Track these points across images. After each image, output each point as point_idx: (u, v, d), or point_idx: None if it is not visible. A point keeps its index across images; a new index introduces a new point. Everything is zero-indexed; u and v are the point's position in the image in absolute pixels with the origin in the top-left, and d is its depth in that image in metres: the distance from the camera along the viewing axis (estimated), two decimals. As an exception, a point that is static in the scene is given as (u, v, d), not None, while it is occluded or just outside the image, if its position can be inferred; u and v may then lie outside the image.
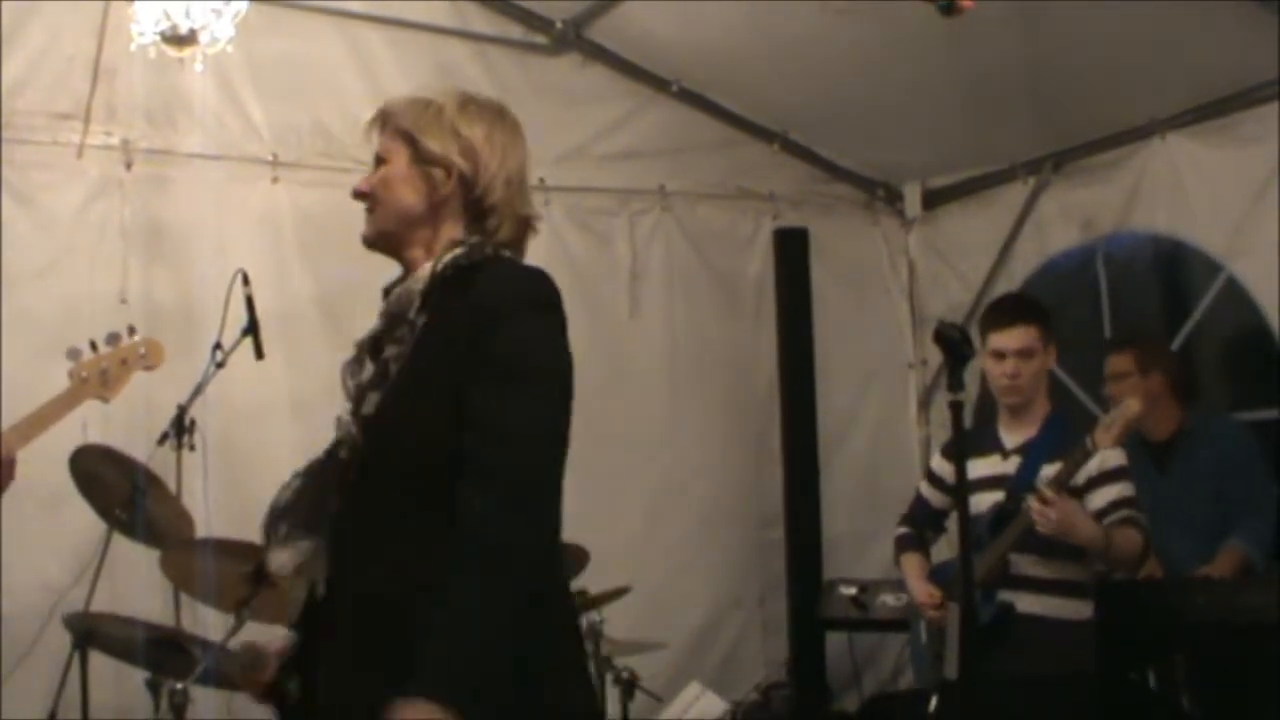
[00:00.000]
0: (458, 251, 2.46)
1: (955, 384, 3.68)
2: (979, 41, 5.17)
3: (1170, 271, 5.93)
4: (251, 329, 4.80)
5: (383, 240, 2.55)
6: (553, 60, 6.19)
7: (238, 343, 4.79)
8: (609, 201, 6.39)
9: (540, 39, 6.14)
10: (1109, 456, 4.41)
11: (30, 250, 5.25)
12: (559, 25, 6.08)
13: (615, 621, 4.99)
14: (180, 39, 4.62)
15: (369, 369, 2.47)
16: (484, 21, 6.05)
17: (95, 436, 4.76)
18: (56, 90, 5.34)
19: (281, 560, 2.50)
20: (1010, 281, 6.47)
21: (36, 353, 5.11)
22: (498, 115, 2.63)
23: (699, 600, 6.29)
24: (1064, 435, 4.38)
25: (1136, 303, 6.06)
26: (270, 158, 5.70)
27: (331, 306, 5.67)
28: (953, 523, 4.77)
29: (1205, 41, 5.06)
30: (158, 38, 4.64)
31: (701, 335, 6.50)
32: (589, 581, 4.49)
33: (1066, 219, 6.23)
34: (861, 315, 6.66)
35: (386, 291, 2.54)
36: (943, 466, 4.81)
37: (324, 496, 2.47)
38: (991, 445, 4.59)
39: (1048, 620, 4.27)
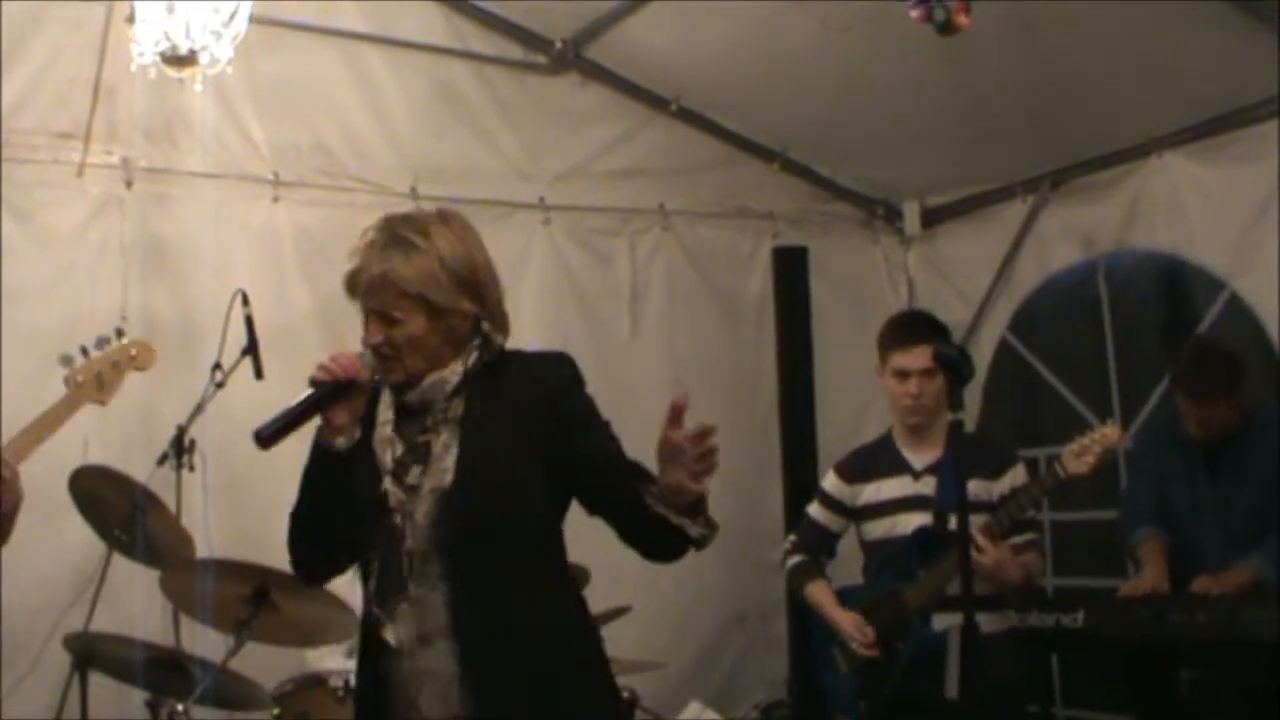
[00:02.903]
0: (483, 349, 2.88)
1: (955, 403, 3.69)
2: (977, 60, 5.18)
3: (1172, 288, 5.91)
4: (251, 349, 4.81)
5: (415, 379, 2.86)
6: (552, 80, 6.20)
7: (237, 363, 4.79)
8: (609, 221, 6.40)
9: (539, 58, 6.15)
10: (1018, 474, 4.43)
11: (31, 268, 5.25)
12: (558, 45, 6.09)
13: (616, 640, 4.94)
14: (180, 59, 4.62)
15: (398, 448, 2.86)
16: (483, 41, 6.06)
17: (95, 456, 4.76)
18: (57, 109, 5.35)
19: (394, 630, 2.82)
20: (1012, 299, 6.48)
21: (37, 371, 5.08)
22: (469, 228, 2.96)
23: (700, 619, 6.27)
24: (973, 451, 4.35)
25: (1138, 319, 6.04)
26: (271, 176, 5.71)
27: (332, 324, 5.65)
28: (843, 545, 4.78)
29: (1203, 60, 5.07)
30: (158, 58, 4.64)
31: (702, 354, 6.50)
32: (590, 600, 4.47)
33: (1066, 237, 6.22)
34: (861, 333, 6.60)
35: (398, 387, 2.89)
36: (840, 488, 4.73)
37: (395, 566, 2.82)
38: (897, 466, 4.57)
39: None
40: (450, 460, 2.82)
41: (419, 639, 2.80)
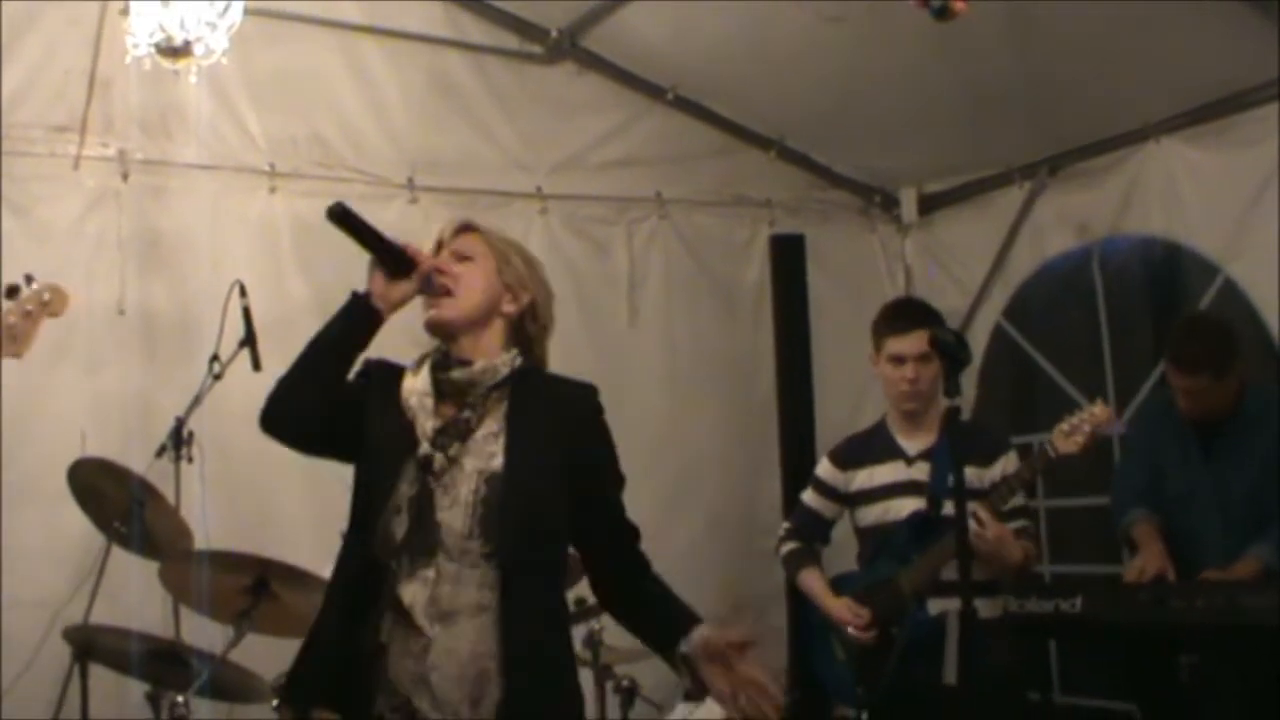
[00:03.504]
0: (525, 359, 3.06)
1: (951, 389, 3.69)
2: (973, 47, 5.17)
3: (1167, 274, 5.92)
4: (249, 340, 4.81)
5: (451, 328, 3.02)
6: (548, 69, 6.19)
7: (235, 354, 4.79)
8: (606, 210, 6.39)
9: (535, 48, 6.14)
10: (1010, 461, 4.43)
11: (28, 262, 5.15)
12: (554, 34, 6.08)
13: (615, 630, 4.95)
14: (175, 51, 4.61)
15: (435, 421, 2.96)
16: (480, 31, 6.06)
17: (94, 448, 4.76)
18: (53, 103, 5.34)
19: (414, 591, 2.85)
20: (1008, 285, 6.48)
21: (35, 364, 5.10)
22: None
23: (699, 608, 6.24)
24: (966, 438, 4.34)
25: (1132, 305, 6.05)
26: (267, 168, 5.70)
27: (329, 314, 5.65)
28: (838, 532, 4.79)
29: (1199, 45, 5.06)
30: (153, 50, 4.63)
31: (700, 342, 6.50)
32: (589, 591, 4.48)
33: (1062, 223, 6.22)
34: (859, 321, 6.61)
35: (439, 364, 3.02)
36: (834, 475, 4.74)
37: (429, 526, 2.88)
38: (890, 452, 4.59)
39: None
40: (498, 447, 2.93)
41: (445, 613, 2.84)
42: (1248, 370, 4.80)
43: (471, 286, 3.02)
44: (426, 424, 2.95)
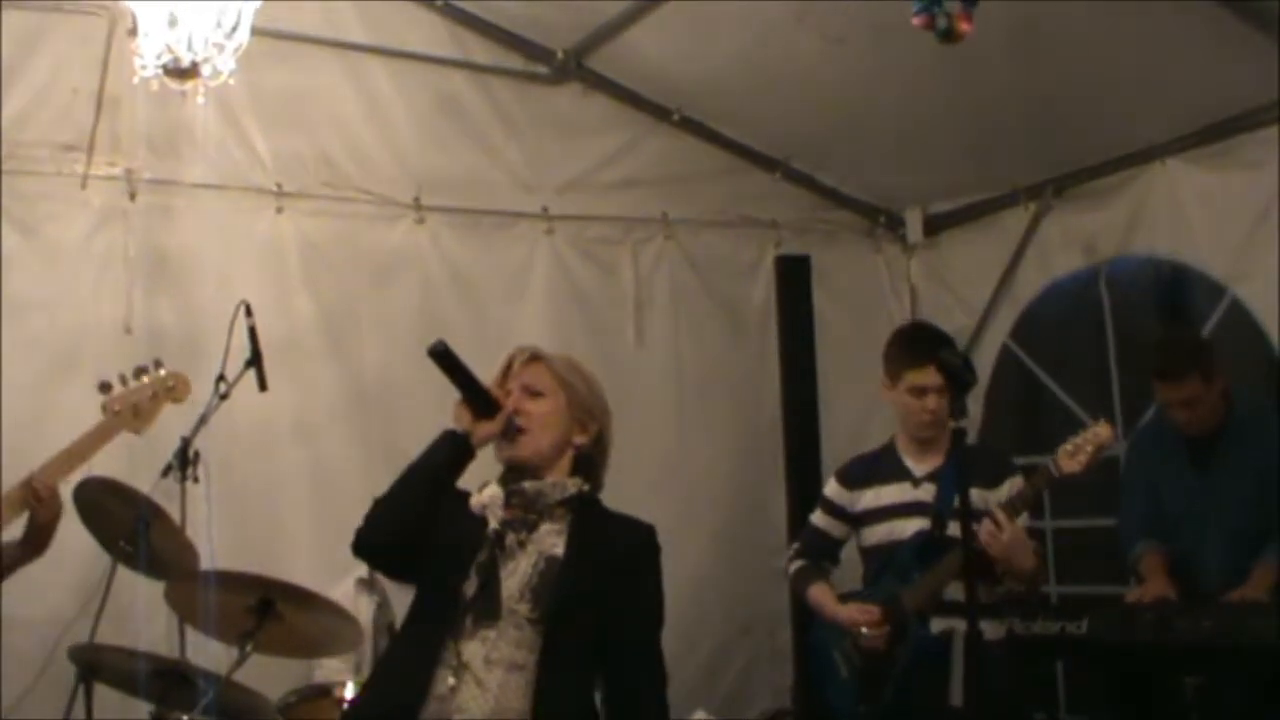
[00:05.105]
0: (589, 486, 3.32)
1: (958, 410, 3.69)
2: (979, 67, 5.18)
3: (1174, 295, 5.92)
4: (255, 360, 4.80)
5: (529, 465, 3.28)
6: (554, 90, 6.21)
7: (241, 374, 4.78)
8: (612, 230, 6.40)
9: (541, 69, 6.16)
10: (1016, 484, 4.44)
11: (35, 281, 5.26)
12: (560, 55, 6.10)
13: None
14: (182, 71, 4.61)
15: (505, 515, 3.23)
16: (485, 52, 6.08)
17: (100, 468, 4.75)
18: (60, 122, 5.36)
19: (473, 649, 3.10)
20: (1014, 306, 6.47)
21: (41, 383, 5.13)
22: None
23: (706, 629, 6.27)
24: (973, 460, 4.34)
25: (1140, 326, 6.04)
26: (274, 187, 5.72)
27: (335, 334, 5.69)
28: (846, 553, 4.79)
29: (1204, 66, 5.07)
30: (160, 70, 4.64)
31: (707, 363, 6.50)
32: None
33: (1068, 244, 6.22)
34: (864, 342, 6.63)
35: (512, 473, 3.30)
36: (841, 494, 4.75)
37: (495, 591, 3.13)
38: (897, 473, 4.60)
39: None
40: (560, 540, 3.21)
41: (485, 661, 3.08)
42: (1230, 381, 4.85)
43: (546, 426, 3.28)
44: (499, 513, 3.23)
